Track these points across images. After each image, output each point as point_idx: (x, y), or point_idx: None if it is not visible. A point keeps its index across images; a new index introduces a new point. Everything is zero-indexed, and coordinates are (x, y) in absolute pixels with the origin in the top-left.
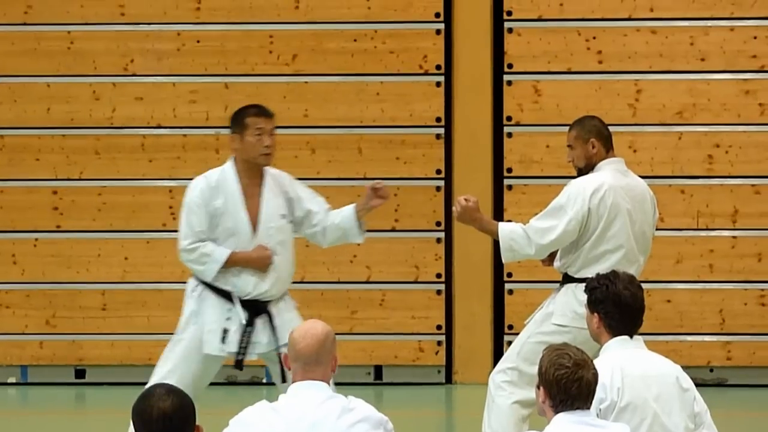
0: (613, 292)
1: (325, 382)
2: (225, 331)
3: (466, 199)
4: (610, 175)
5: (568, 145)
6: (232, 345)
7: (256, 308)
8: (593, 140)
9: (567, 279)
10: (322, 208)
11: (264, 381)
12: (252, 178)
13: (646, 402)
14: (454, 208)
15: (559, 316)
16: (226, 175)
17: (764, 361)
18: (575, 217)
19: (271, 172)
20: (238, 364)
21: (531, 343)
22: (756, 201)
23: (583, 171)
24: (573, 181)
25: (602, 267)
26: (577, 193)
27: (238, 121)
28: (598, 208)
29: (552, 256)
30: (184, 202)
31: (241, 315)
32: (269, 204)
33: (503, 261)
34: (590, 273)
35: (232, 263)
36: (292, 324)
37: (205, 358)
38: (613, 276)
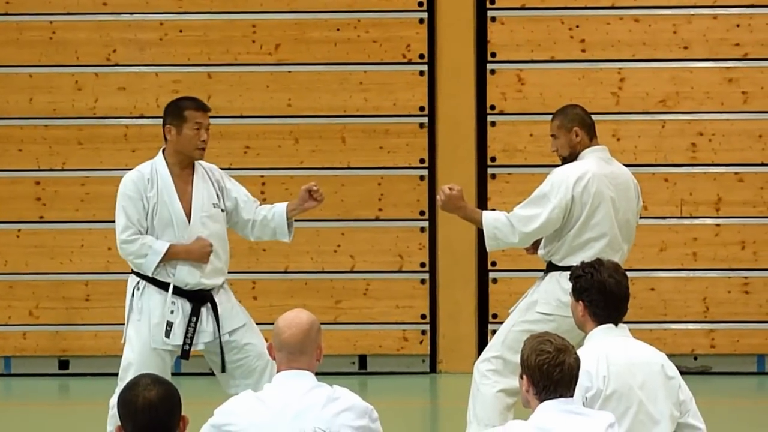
0: (597, 280)
1: (310, 372)
2: (169, 324)
3: (450, 188)
4: (594, 163)
5: (552, 135)
6: (177, 337)
7: (201, 298)
8: (576, 129)
9: (551, 267)
10: (250, 201)
11: None
12: (183, 168)
13: (631, 390)
14: (438, 197)
15: (543, 304)
16: (157, 167)
17: (748, 348)
18: (559, 205)
19: (200, 163)
20: (185, 354)
21: (515, 332)
22: (739, 189)
23: (567, 160)
24: (556, 169)
25: (586, 255)
26: (561, 181)
27: (176, 112)
28: (582, 196)
29: (536, 245)
30: (118, 196)
31: (184, 306)
32: (201, 193)
33: (487, 249)
34: (574, 261)
35: (172, 256)
36: (234, 312)
37: (158, 352)
38: (597, 264)
